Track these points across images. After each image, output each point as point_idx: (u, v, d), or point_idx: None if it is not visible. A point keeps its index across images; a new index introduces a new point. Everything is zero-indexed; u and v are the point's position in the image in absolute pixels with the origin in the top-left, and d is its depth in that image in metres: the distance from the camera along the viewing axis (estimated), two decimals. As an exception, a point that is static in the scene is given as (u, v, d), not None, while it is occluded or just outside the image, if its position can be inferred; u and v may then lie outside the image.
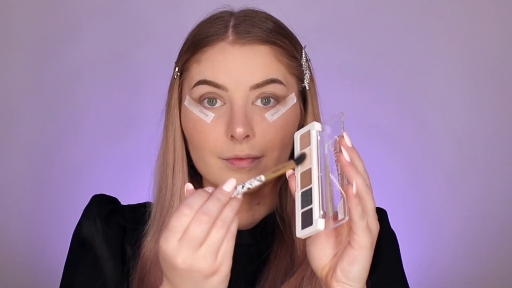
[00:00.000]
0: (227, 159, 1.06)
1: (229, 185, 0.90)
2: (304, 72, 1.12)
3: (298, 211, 0.91)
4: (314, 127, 0.95)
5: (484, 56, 2.07)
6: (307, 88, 1.12)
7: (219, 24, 1.09)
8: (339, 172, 0.92)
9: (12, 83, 2.04)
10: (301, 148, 0.95)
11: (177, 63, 1.13)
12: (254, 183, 0.91)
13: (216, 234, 0.87)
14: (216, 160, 1.07)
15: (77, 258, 1.12)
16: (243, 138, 1.04)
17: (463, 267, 2.06)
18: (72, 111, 2.03)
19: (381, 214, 1.20)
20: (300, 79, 1.12)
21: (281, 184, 1.15)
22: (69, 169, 2.02)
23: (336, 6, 2.07)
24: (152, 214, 1.12)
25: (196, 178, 1.14)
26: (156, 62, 1.98)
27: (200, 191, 0.90)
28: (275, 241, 1.13)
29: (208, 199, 0.88)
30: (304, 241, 0.98)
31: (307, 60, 1.13)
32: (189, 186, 0.93)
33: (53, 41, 2.04)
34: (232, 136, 1.05)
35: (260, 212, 1.16)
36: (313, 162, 0.92)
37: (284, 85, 1.08)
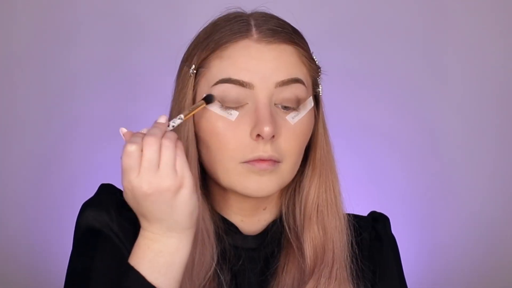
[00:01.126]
0: (248, 161, 1.04)
1: (162, 119, 0.97)
2: (319, 76, 1.11)
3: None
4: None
5: (487, 57, 2.07)
6: (320, 94, 1.11)
7: (240, 22, 1.07)
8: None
9: (10, 85, 2.04)
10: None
11: (187, 61, 1.09)
12: (176, 122, 0.99)
13: (167, 151, 0.92)
14: (236, 165, 1.04)
15: (91, 247, 1.07)
16: (270, 139, 1.03)
17: (463, 267, 2.06)
18: (70, 111, 2.03)
19: (383, 222, 1.21)
20: (316, 84, 1.11)
21: (290, 192, 1.13)
22: (68, 169, 2.02)
23: (340, 8, 2.07)
24: None
25: (205, 180, 1.12)
26: (154, 63, 1.99)
27: (136, 133, 0.96)
28: (281, 250, 1.12)
29: (148, 130, 0.95)
30: (313, 247, 1.06)
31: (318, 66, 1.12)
32: (124, 129, 0.98)
33: (51, 43, 2.04)
34: (257, 135, 1.02)
35: (265, 217, 1.13)
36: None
37: (306, 86, 1.07)
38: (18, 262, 2.01)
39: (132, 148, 0.92)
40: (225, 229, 1.10)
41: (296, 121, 1.05)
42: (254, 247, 1.12)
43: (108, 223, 1.07)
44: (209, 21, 1.10)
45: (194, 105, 1.02)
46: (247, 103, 1.04)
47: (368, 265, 1.13)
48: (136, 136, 0.94)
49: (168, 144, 0.93)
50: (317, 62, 1.11)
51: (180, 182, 0.93)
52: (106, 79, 2.03)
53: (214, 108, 1.04)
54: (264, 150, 1.03)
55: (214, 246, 1.07)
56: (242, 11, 1.10)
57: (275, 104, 1.05)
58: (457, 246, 2.07)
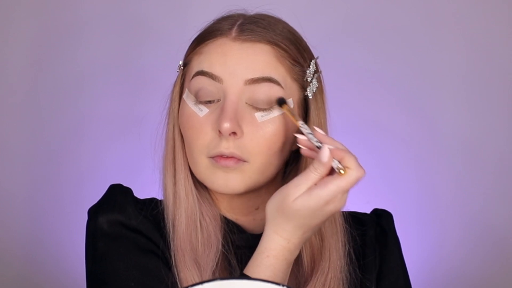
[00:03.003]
0: (213, 157, 1.06)
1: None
2: (309, 81, 1.10)
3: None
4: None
5: (492, 56, 2.06)
6: (309, 97, 1.10)
7: (227, 21, 1.10)
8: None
9: (16, 84, 2.04)
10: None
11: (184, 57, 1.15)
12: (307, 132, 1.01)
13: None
14: (204, 159, 1.06)
15: (112, 249, 1.07)
16: (230, 135, 1.04)
17: (470, 267, 2.05)
18: (77, 110, 2.03)
19: (387, 217, 1.21)
20: (303, 87, 1.10)
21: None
22: (74, 168, 2.02)
23: (346, 8, 2.06)
24: (165, 211, 1.10)
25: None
26: (160, 62, 1.98)
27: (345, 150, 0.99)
28: None
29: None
30: (311, 252, 1.09)
31: (316, 71, 1.12)
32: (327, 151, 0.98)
33: (57, 42, 2.04)
34: (219, 132, 1.04)
35: (260, 216, 1.13)
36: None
37: (281, 87, 1.07)
38: (25, 259, 2.01)
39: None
40: (228, 228, 1.11)
41: (265, 120, 1.05)
42: (253, 245, 1.10)
43: (125, 222, 1.07)
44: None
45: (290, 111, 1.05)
46: (219, 99, 1.06)
47: (370, 265, 1.13)
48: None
49: None
50: (313, 67, 1.11)
51: None
52: (114, 78, 2.04)
53: (189, 102, 1.08)
54: (226, 146, 1.05)
55: (219, 243, 1.08)
56: (242, 12, 1.13)
57: (246, 102, 1.05)
58: (465, 246, 2.06)
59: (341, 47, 2.00)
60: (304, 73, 1.09)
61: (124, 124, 2.02)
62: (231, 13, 1.13)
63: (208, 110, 1.06)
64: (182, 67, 1.12)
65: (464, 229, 2.06)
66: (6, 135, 2.03)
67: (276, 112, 1.06)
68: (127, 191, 1.15)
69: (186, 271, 1.06)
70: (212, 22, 1.12)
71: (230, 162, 1.05)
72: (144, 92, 2.02)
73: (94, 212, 1.11)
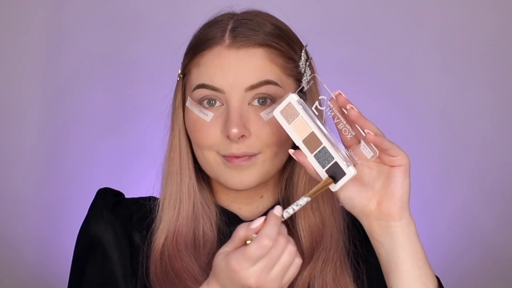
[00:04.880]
0: (224, 156, 1.11)
1: (278, 210, 0.96)
2: (303, 72, 1.15)
3: (322, 172, 0.99)
4: (293, 98, 1.01)
5: (478, 53, 2.07)
6: (305, 88, 1.15)
7: (218, 28, 1.13)
8: (339, 126, 1.02)
9: (10, 81, 2.04)
10: (289, 122, 1.01)
11: (181, 65, 1.18)
12: (302, 202, 0.97)
13: (287, 257, 0.94)
14: (215, 155, 1.12)
15: (85, 253, 1.16)
16: (239, 138, 1.09)
17: (460, 267, 2.06)
18: (67, 109, 2.03)
19: None
20: (299, 80, 1.15)
21: (286, 177, 1.18)
22: (68, 165, 2.02)
23: (335, 5, 2.07)
24: (160, 210, 1.16)
25: (202, 176, 1.18)
26: (152, 60, 1.99)
27: (274, 218, 0.94)
28: None
29: (266, 225, 0.94)
30: (310, 234, 1.11)
31: (307, 59, 1.16)
32: (261, 219, 0.96)
33: (44, 40, 2.04)
34: (228, 136, 1.09)
35: (263, 204, 1.19)
36: (311, 126, 1.00)
37: (279, 86, 1.12)
38: (16, 259, 2.01)
39: (269, 244, 0.92)
40: (226, 220, 1.17)
41: (271, 117, 1.10)
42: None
43: (102, 226, 1.15)
44: (201, 24, 1.17)
45: (320, 184, 0.99)
46: (222, 104, 1.11)
47: (365, 247, 1.15)
48: (275, 228, 0.93)
49: (291, 249, 0.94)
50: (304, 56, 1.15)
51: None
52: (103, 77, 2.04)
53: (194, 109, 1.13)
54: (237, 148, 1.10)
55: (216, 236, 1.14)
56: (230, 12, 1.16)
57: (249, 103, 1.11)
58: (454, 247, 2.07)
59: (328, 44, 2.00)
60: (298, 66, 1.14)
61: (115, 122, 2.02)
62: (219, 16, 1.16)
63: (213, 114, 1.11)
64: (181, 76, 1.17)
65: (451, 228, 2.07)
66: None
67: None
68: (110, 194, 1.21)
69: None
70: (203, 27, 1.16)
71: (243, 161, 1.11)
72: (135, 90, 2.03)
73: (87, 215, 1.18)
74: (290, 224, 1.14)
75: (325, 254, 1.12)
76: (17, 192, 2.02)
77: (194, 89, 1.12)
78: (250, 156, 1.11)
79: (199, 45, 1.13)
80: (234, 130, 1.08)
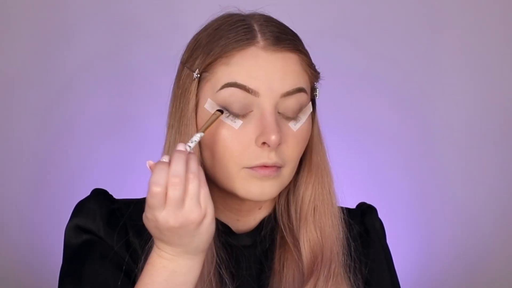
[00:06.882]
0: (252, 167, 1.05)
1: (180, 146, 0.95)
2: (318, 81, 1.12)
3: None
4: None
5: (486, 57, 2.08)
6: (317, 97, 1.12)
7: (244, 27, 1.06)
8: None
9: (7, 83, 2.04)
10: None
11: (187, 63, 1.09)
12: (195, 139, 0.98)
13: (192, 187, 0.93)
14: (240, 170, 1.05)
15: (82, 252, 1.11)
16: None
17: (460, 267, 2.07)
18: (67, 111, 2.03)
19: (370, 213, 1.23)
20: (314, 88, 1.12)
21: (285, 191, 1.14)
22: (65, 168, 2.02)
23: (336, 8, 2.07)
24: None
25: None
26: (151, 62, 1.99)
27: (159, 164, 0.93)
28: (277, 246, 1.14)
29: (171, 163, 0.93)
30: (310, 250, 1.10)
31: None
32: (151, 162, 0.96)
33: (47, 42, 2.04)
34: (263, 143, 1.03)
35: (260, 216, 1.16)
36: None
37: (307, 94, 1.08)
38: (16, 261, 2.01)
39: (157, 189, 0.92)
40: (219, 231, 1.11)
41: (298, 128, 1.07)
42: (249, 244, 1.14)
43: (95, 231, 1.11)
44: (209, 23, 1.10)
45: (210, 118, 1.01)
46: (252, 110, 1.04)
47: (361, 258, 1.15)
48: (161, 172, 0.93)
49: (193, 179, 0.93)
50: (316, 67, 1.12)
51: (204, 213, 0.95)
52: (103, 78, 2.04)
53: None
54: (269, 157, 1.04)
55: (213, 246, 1.09)
56: (240, 12, 1.10)
57: (278, 112, 1.05)
58: (454, 246, 2.08)
59: (331, 47, 2.01)
60: (317, 75, 1.11)
61: (114, 124, 2.02)
62: (230, 13, 1.10)
63: (242, 122, 1.04)
64: (198, 76, 1.06)
65: (454, 228, 2.07)
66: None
67: (303, 118, 1.08)
68: (106, 200, 1.16)
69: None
70: (220, 25, 1.08)
71: (270, 171, 1.05)
72: (134, 93, 2.03)
73: (71, 215, 1.15)
74: (291, 236, 1.13)
75: (326, 270, 1.10)
76: (18, 192, 2.02)
77: (221, 88, 1.04)
78: (278, 167, 1.05)
79: (228, 44, 1.05)
80: (274, 137, 1.02)
